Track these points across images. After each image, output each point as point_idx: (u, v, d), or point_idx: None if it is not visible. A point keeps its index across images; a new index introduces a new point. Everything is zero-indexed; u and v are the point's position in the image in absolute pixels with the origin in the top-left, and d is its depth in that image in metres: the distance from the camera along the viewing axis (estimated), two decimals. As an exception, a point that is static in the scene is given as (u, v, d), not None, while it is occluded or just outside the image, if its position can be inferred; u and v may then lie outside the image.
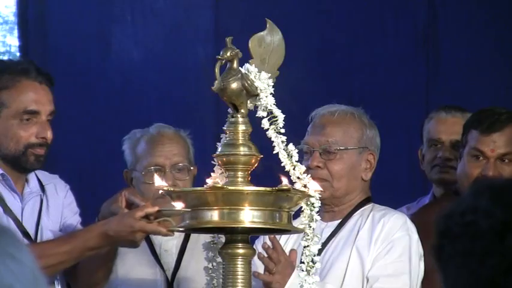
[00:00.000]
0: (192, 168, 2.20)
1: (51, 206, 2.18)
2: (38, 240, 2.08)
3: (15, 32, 4.43)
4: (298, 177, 1.31)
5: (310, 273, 1.35)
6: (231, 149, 1.34)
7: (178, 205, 1.82)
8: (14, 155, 2.08)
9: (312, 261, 1.36)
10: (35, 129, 2.07)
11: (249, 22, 4.28)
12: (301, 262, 1.63)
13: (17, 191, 2.12)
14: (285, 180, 1.29)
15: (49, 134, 2.03)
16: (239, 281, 1.35)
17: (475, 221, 0.89)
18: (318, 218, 1.41)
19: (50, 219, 2.15)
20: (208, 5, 4.39)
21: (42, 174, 2.17)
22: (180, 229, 1.44)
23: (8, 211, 2.07)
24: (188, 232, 1.77)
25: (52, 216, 2.16)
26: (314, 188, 1.33)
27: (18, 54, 4.26)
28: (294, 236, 1.99)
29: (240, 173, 1.34)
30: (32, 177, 2.16)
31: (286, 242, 2.15)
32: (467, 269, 0.91)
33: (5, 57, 4.56)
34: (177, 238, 2.21)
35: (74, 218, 2.15)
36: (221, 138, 1.35)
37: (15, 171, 2.10)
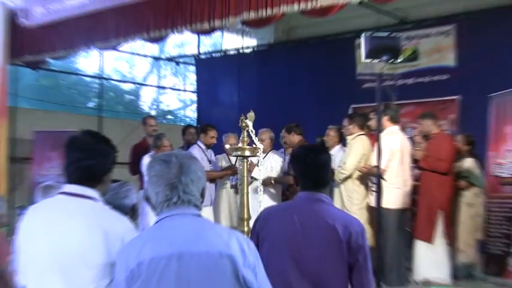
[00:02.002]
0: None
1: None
2: None
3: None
4: (257, 143, 5.36)
5: (259, 166, 5.39)
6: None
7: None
8: (207, 144, 6.50)
9: (259, 163, 5.42)
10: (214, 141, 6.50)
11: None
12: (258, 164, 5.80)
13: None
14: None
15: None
16: (244, 170, 5.37)
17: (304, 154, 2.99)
18: (262, 153, 5.49)
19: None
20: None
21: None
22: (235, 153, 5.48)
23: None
24: (235, 156, 5.86)
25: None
26: (260, 146, 5.40)
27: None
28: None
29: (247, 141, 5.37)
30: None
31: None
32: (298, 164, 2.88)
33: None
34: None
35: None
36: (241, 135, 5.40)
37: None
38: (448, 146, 5.89)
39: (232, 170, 6.46)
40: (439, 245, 5.75)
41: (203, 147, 6.70)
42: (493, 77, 7.58)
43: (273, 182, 6.21)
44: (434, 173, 5.83)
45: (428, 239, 5.76)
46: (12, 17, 7.46)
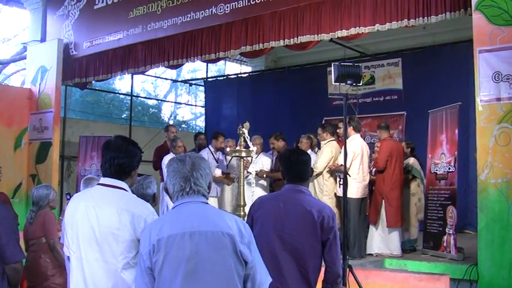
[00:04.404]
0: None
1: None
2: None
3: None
4: (251, 147, 5.26)
5: (254, 162, 5.28)
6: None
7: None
8: (217, 148, 6.24)
9: (253, 161, 5.31)
10: (223, 145, 6.08)
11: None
12: (252, 161, 5.61)
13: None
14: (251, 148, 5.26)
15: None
16: (241, 167, 5.27)
17: (289, 155, 2.79)
18: (255, 154, 5.38)
19: None
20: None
21: None
22: (234, 155, 5.35)
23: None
24: (233, 156, 5.77)
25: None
26: (253, 149, 5.30)
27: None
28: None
29: (243, 145, 5.25)
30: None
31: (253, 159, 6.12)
32: (285, 162, 2.77)
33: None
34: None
35: None
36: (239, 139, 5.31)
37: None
38: (384, 149, 5.74)
39: (228, 178, 6.24)
40: (385, 226, 5.69)
41: (213, 150, 6.49)
42: (430, 97, 7.62)
43: (264, 176, 6.16)
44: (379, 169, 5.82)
45: (374, 222, 5.73)
46: (66, 49, 7.62)
